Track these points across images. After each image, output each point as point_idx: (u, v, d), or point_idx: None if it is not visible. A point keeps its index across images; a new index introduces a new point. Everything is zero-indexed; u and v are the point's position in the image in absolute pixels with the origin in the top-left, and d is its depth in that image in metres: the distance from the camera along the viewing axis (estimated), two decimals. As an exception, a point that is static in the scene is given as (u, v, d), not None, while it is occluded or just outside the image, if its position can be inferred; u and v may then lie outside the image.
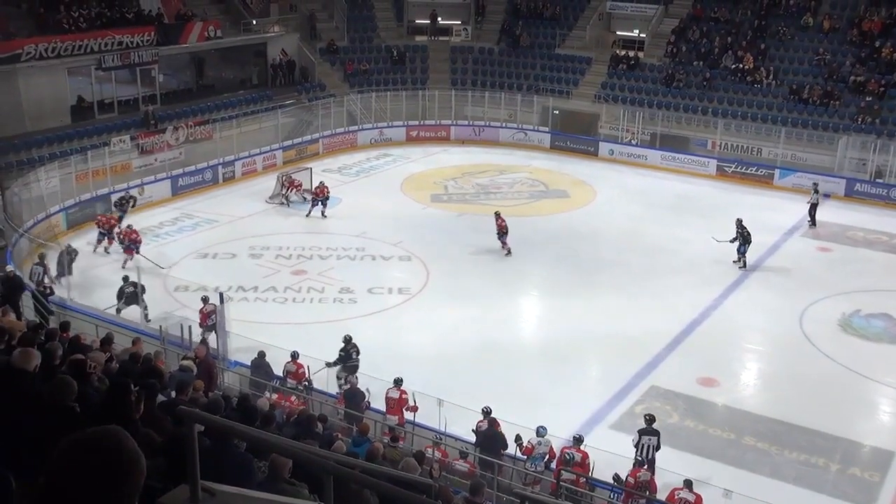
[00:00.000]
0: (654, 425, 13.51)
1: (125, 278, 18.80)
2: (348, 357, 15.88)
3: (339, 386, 15.57)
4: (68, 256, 19.83)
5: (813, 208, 26.13)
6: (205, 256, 22.78)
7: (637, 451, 13.25)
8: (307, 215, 25.70)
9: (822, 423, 15.56)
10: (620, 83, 35.81)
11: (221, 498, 3.29)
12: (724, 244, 22.34)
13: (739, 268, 22.39)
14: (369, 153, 33.51)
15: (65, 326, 11.87)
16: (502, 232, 22.87)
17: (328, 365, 15.72)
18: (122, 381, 5.44)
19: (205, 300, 17.30)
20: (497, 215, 23.10)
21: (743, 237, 22.29)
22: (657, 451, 13.25)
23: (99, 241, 22.49)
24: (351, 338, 16.05)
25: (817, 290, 21.23)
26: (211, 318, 17.04)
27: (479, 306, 19.94)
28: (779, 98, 32.91)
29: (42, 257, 19.08)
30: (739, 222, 22.44)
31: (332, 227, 25.08)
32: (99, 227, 22.60)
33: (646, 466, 12.92)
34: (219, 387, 14.14)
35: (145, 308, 18.12)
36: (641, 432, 13.37)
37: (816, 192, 26.27)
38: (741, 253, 22.40)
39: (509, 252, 22.85)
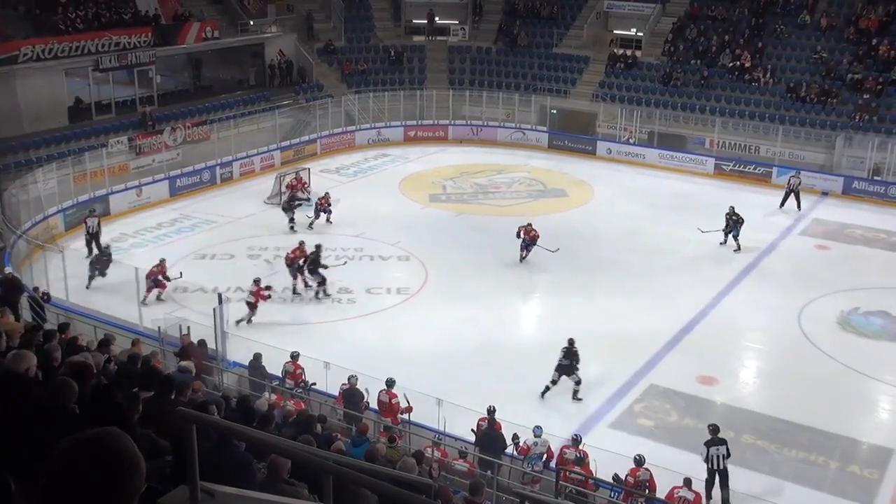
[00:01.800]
0: (720, 434, 13.26)
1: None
2: (572, 356, 16.05)
3: (576, 384, 16.05)
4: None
5: (797, 194, 27.02)
6: (203, 257, 22.75)
7: (708, 463, 12.97)
8: (310, 226, 24.81)
9: (822, 420, 15.58)
10: (618, 82, 35.82)
11: (221, 498, 3.29)
12: (709, 233, 23.60)
13: (734, 251, 23.45)
14: (367, 153, 33.49)
15: (63, 328, 11.85)
16: (533, 242, 22.28)
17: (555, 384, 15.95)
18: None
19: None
20: (529, 226, 22.38)
21: (735, 222, 23.51)
22: (727, 458, 12.96)
23: (149, 290, 19.38)
24: (574, 340, 16.15)
25: (816, 287, 21.25)
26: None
27: (478, 306, 19.93)
28: (776, 96, 32.93)
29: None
30: (732, 210, 23.66)
31: (330, 227, 25.06)
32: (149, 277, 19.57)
33: (717, 480, 12.79)
34: (217, 387, 14.16)
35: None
36: (708, 444, 13.06)
37: (798, 178, 27.38)
38: (735, 237, 23.55)
39: (524, 258, 22.41)
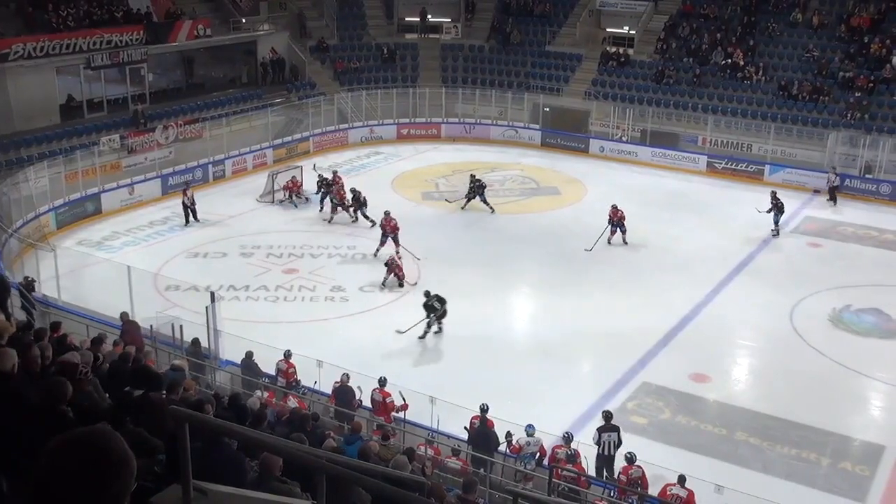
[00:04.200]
0: (614, 421, 13.67)
1: None
2: (432, 308, 18.01)
3: (434, 332, 18.09)
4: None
5: (833, 190, 28.08)
6: (195, 256, 22.72)
7: (598, 448, 13.34)
8: (354, 220, 25.45)
9: (814, 418, 15.63)
10: (611, 80, 35.84)
11: (213, 497, 3.28)
12: (763, 214, 24.66)
13: (773, 236, 24.63)
14: (360, 151, 33.44)
15: (54, 326, 11.78)
16: (621, 222, 23.68)
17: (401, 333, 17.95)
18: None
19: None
20: (614, 207, 23.79)
21: (777, 207, 24.52)
22: (618, 447, 13.30)
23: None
24: (430, 292, 18.31)
25: (808, 285, 21.31)
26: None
27: (471, 304, 19.90)
28: (768, 94, 33.00)
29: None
30: (774, 194, 24.79)
31: (323, 225, 25.01)
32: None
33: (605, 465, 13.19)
34: (210, 386, 14.14)
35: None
36: (601, 429, 13.44)
37: (836, 174, 28.20)
38: (775, 221, 24.67)
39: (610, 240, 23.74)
